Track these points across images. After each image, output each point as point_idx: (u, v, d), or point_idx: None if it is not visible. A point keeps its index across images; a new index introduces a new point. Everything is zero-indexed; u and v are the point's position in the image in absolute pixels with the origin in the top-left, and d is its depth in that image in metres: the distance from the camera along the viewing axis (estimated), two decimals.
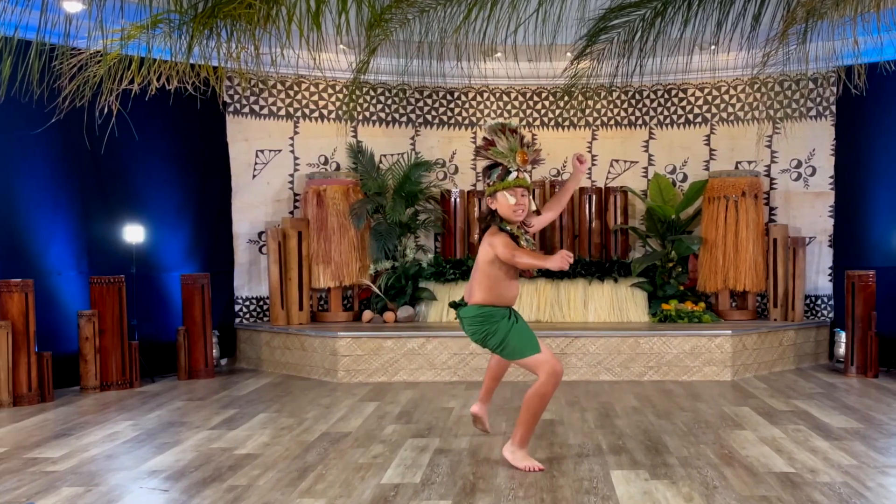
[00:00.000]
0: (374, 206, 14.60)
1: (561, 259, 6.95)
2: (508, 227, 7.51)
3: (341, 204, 14.32)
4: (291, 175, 14.93)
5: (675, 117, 15.44)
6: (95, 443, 8.81)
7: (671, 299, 14.26)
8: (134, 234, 12.68)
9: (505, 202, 7.45)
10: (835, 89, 14.21)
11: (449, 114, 15.67)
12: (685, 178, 15.34)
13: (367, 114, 15.33)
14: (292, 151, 14.96)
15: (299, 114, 14.99)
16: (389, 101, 15.43)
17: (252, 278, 14.83)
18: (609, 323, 14.16)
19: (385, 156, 15.32)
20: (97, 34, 5.32)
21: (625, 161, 15.62)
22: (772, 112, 14.78)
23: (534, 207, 7.63)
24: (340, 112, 15.10)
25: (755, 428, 9.22)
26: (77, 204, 12.51)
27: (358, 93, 15.04)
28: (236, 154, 14.64)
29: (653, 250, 14.93)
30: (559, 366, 7.47)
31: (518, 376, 11.93)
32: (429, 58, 8.00)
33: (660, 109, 15.50)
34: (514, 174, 7.45)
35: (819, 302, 14.61)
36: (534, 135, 15.61)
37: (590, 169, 15.58)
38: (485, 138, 7.72)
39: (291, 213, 14.90)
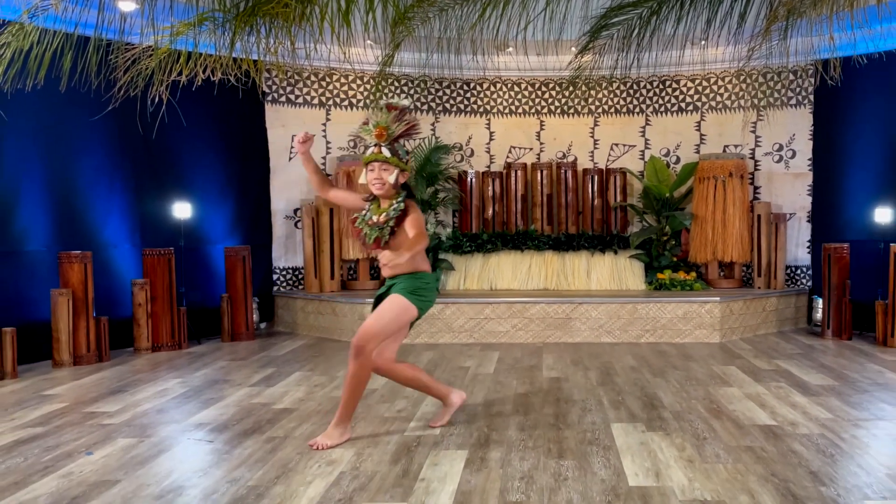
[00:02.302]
0: None
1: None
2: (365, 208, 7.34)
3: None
4: (324, 157, 14.90)
5: (669, 105, 15.39)
6: (147, 398, 8.83)
7: (665, 269, 14.25)
8: (182, 210, 12.72)
9: (364, 176, 7.27)
10: (813, 80, 14.16)
11: (465, 102, 15.64)
12: (678, 160, 15.28)
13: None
14: (325, 136, 14.93)
15: (331, 102, 14.97)
16: (412, 91, 15.41)
17: (288, 250, 14.85)
18: (609, 291, 14.14)
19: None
20: (149, 31, 5.32)
21: (624, 145, 15.58)
22: (756, 101, 14.73)
23: (392, 180, 7.22)
24: (368, 101, 15.09)
25: (741, 385, 9.21)
26: (131, 184, 12.53)
27: (384, 83, 15.03)
28: (274, 139, 14.65)
29: (649, 225, 14.92)
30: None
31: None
32: (447, 52, 7.99)
33: (655, 98, 15.46)
34: (370, 150, 7.26)
35: (798, 272, 14.57)
36: (542, 123, 15.63)
37: (592, 152, 15.61)
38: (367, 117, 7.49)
39: None
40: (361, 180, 7.32)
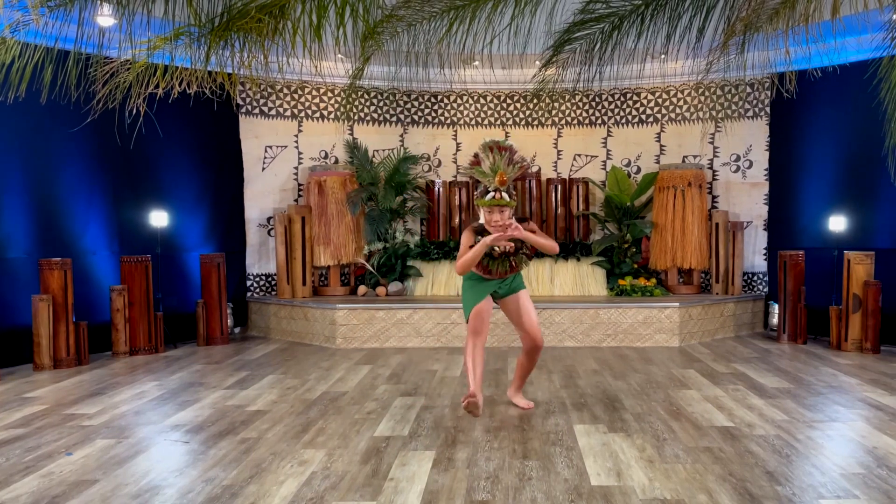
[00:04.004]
0: (368, 194, 14.59)
1: (493, 238, 7.20)
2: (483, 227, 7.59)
3: (339, 193, 14.34)
4: (296, 168, 14.91)
5: (629, 117, 15.45)
6: (125, 400, 8.81)
7: (626, 276, 14.29)
8: (159, 218, 12.72)
9: (483, 217, 7.53)
10: (769, 93, 14.22)
11: (433, 114, 15.66)
12: (639, 170, 15.35)
13: (362, 114, 15.31)
14: (297, 147, 14.93)
15: (303, 114, 14.97)
16: (381, 103, 15.42)
17: (261, 257, 14.83)
18: (572, 296, 14.16)
19: (377, 151, 15.31)
20: (127, 45, 5.31)
21: (586, 155, 15.63)
22: (714, 113, 14.80)
23: (513, 221, 7.34)
24: (339, 113, 15.09)
25: (699, 388, 9.25)
26: (109, 193, 12.51)
27: (354, 96, 15.05)
28: (248, 149, 14.63)
29: (610, 233, 14.96)
30: (470, 335, 7.64)
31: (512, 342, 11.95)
32: (415, 65, 7.98)
33: (616, 110, 15.50)
34: (490, 194, 7.43)
35: (755, 278, 14.64)
36: (507, 135, 15.65)
37: (555, 162, 15.66)
38: (476, 154, 7.72)
39: (296, 200, 14.89)
40: (481, 219, 7.61)
